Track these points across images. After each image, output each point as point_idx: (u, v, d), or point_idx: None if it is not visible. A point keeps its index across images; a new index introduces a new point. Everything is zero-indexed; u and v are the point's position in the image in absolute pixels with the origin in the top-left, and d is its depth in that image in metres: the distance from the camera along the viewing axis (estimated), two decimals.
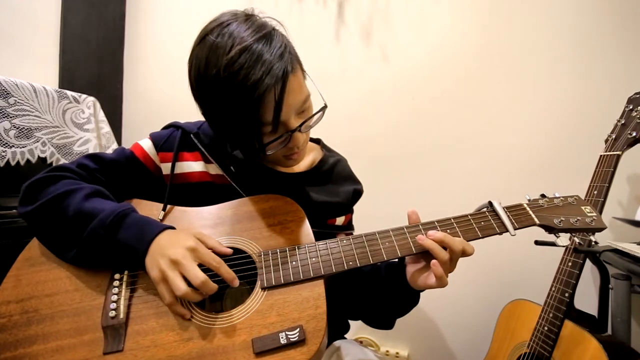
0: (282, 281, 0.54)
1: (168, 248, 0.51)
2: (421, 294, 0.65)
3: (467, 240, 0.57)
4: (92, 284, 0.55)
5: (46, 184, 0.58)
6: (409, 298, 0.64)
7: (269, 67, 0.52)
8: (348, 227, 0.76)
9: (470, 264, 1.25)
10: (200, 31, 0.57)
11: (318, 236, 0.60)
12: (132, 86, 1.63)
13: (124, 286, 0.54)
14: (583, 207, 0.63)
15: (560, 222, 0.60)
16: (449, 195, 1.28)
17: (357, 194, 0.77)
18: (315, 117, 0.61)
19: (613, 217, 1.07)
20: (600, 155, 0.89)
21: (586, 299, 1.07)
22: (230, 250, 0.55)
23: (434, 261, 0.54)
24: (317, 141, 0.81)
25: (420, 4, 1.30)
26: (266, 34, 0.55)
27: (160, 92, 1.58)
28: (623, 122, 0.90)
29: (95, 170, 0.63)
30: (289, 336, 0.49)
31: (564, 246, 0.60)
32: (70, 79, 1.41)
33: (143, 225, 0.54)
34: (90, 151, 1.19)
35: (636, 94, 0.92)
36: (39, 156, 1.04)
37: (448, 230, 0.58)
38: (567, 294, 0.83)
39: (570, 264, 0.85)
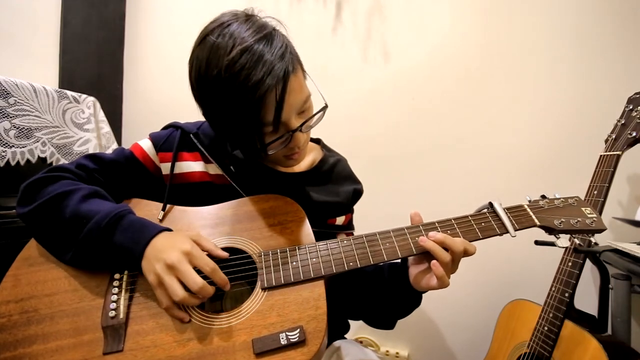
0: (283, 281, 0.54)
1: (163, 252, 0.51)
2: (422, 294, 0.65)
3: (468, 241, 0.57)
4: (92, 283, 0.55)
5: (44, 184, 0.58)
6: (411, 299, 0.64)
7: (270, 68, 0.52)
8: (348, 226, 0.76)
9: (470, 264, 1.25)
10: (201, 32, 0.57)
11: (318, 236, 0.60)
12: (132, 86, 1.62)
13: (124, 286, 0.54)
14: (583, 209, 0.63)
15: (560, 223, 0.60)
16: (449, 195, 1.28)
17: (357, 193, 0.77)
18: (316, 117, 0.61)
19: (613, 217, 1.07)
20: (600, 155, 0.89)
21: (586, 299, 1.07)
22: (226, 254, 0.55)
23: (434, 262, 0.54)
24: (317, 141, 0.81)
25: (420, 4, 1.30)
26: (267, 34, 0.54)
27: (160, 92, 1.58)
28: (623, 122, 0.90)
29: (94, 171, 0.63)
30: (289, 337, 0.49)
31: (564, 247, 0.60)
32: (70, 79, 1.41)
33: (139, 227, 0.54)
34: (90, 151, 1.19)
35: (636, 94, 0.92)
36: (39, 156, 1.04)
37: (449, 231, 0.58)
38: (567, 294, 0.83)
39: (570, 264, 0.85)
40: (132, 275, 0.55)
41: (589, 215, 0.62)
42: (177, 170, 0.66)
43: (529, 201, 0.64)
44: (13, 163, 0.98)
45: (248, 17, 0.57)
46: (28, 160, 1.01)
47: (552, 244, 0.61)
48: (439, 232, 0.57)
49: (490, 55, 1.24)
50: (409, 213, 0.61)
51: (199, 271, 0.50)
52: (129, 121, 1.63)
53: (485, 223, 0.59)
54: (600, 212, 0.80)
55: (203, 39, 0.55)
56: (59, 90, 1.12)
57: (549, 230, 0.60)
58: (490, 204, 0.61)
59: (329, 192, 0.72)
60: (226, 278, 0.52)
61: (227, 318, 0.52)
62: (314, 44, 1.39)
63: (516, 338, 0.96)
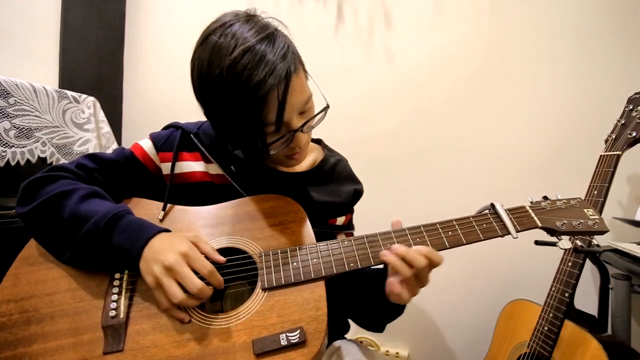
0: (283, 282, 0.54)
1: (161, 253, 0.51)
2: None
3: (469, 243, 0.57)
4: (92, 283, 0.55)
5: (43, 184, 0.58)
6: (390, 307, 0.62)
7: (272, 68, 0.52)
8: (348, 227, 0.76)
9: (471, 264, 1.26)
10: (203, 31, 0.57)
11: (319, 236, 0.60)
12: (132, 86, 1.62)
13: (124, 286, 0.54)
14: (585, 210, 0.63)
15: (562, 224, 0.60)
16: (449, 196, 1.28)
17: (358, 194, 0.77)
18: (318, 117, 0.61)
19: (613, 217, 1.07)
20: (600, 155, 0.89)
21: (586, 299, 1.07)
22: (223, 259, 0.54)
23: (391, 280, 0.54)
24: (318, 141, 0.81)
25: (420, 4, 1.30)
26: (269, 34, 0.54)
27: (160, 92, 1.58)
28: (623, 122, 0.90)
29: (94, 170, 0.63)
30: (290, 337, 0.49)
31: (565, 249, 0.60)
32: (70, 79, 1.41)
33: (137, 228, 0.54)
34: (90, 151, 1.19)
35: (636, 94, 0.92)
36: (39, 156, 1.04)
37: (450, 232, 0.58)
38: (567, 294, 0.83)
39: (570, 264, 0.85)
40: (133, 275, 0.55)
41: (591, 217, 0.62)
42: (177, 170, 0.66)
43: (531, 202, 0.63)
44: (13, 163, 0.98)
45: (250, 17, 0.57)
46: (28, 160, 1.01)
47: (553, 244, 0.61)
48: (402, 245, 0.55)
49: (490, 55, 1.24)
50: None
51: (196, 272, 0.50)
52: (129, 121, 1.63)
53: (487, 224, 0.59)
54: (601, 212, 0.80)
55: (205, 39, 0.55)
56: (59, 90, 1.12)
57: (551, 231, 0.60)
58: (492, 205, 0.61)
59: (329, 192, 0.72)
60: (222, 279, 0.52)
61: (227, 318, 0.52)
62: (314, 44, 1.39)
63: (516, 338, 0.96)
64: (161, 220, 0.61)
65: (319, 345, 0.48)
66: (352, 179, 0.78)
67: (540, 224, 0.59)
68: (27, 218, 0.56)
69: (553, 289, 0.87)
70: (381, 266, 0.60)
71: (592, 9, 1.16)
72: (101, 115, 1.27)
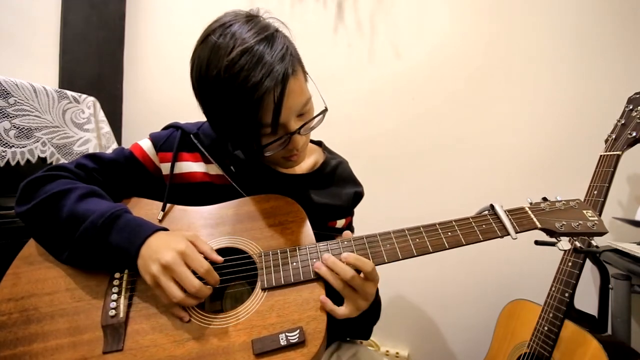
0: (283, 282, 0.54)
1: (158, 252, 0.51)
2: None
3: (469, 243, 0.57)
4: (92, 282, 0.55)
5: (42, 183, 0.58)
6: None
7: (269, 69, 0.52)
8: (348, 229, 0.76)
9: (471, 264, 1.26)
10: (203, 31, 0.57)
11: (318, 238, 0.60)
12: (132, 86, 1.63)
13: (124, 285, 0.54)
14: (585, 211, 0.63)
15: (561, 226, 0.60)
16: (449, 196, 1.28)
17: (358, 196, 0.76)
18: (316, 119, 0.61)
19: (613, 217, 1.07)
20: (600, 155, 0.89)
21: (586, 299, 1.07)
22: (220, 259, 0.54)
23: (322, 297, 0.53)
24: (319, 143, 0.81)
25: (420, 4, 1.30)
26: (268, 35, 0.54)
27: (160, 92, 1.58)
28: (623, 122, 0.90)
29: (94, 170, 0.63)
30: (289, 337, 0.49)
31: (564, 250, 0.60)
32: (70, 79, 1.41)
33: (135, 227, 0.54)
34: (90, 151, 1.19)
35: (636, 94, 0.92)
36: (39, 156, 1.04)
37: (449, 233, 0.58)
38: (567, 294, 0.83)
39: (570, 264, 0.85)
40: (132, 274, 0.55)
41: (591, 218, 0.62)
42: (177, 171, 0.66)
43: (530, 203, 0.63)
44: (13, 163, 0.98)
45: (251, 18, 0.57)
46: (28, 160, 1.01)
47: (552, 244, 0.61)
48: (331, 255, 0.54)
49: (490, 55, 1.24)
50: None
51: (194, 272, 0.50)
52: (129, 121, 1.63)
53: (486, 225, 0.59)
54: (600, 212, 0.80)
55: (205, 39, 0.55)
56: (59, 90, 1.12)
57: (550, 232, 0.60)
58: (492, 206, 0.61)
59: (330, 195, 0.71)
60: (218, 278, 0.52)
61: (227, 318, 0.52)
62: (314, 44, 1.39)
63: (516, 338, 0.96)
64: (160, 221, 0.61)
65: (318, 345, 0.48)
66: (353, 181, 0.78)
67: (539, 225, 0.59)
68: (25, 217, 0.56)
69: (553, 289, 0.87)
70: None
71: (592, 9, 1.15)
72: (101, 115, 1.27)
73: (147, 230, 0.54)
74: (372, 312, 0.63)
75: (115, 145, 1.32)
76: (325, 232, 0.69)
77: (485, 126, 1.25)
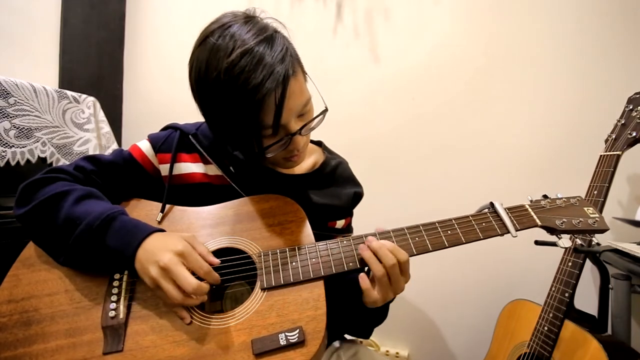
0: (282, 282, 0.54)
1: (156, 253, 0.50)
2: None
3: (469, 242, 0.57)
4: (92, 284, 0.55)
5: (41, 185, 0.58)
6: (369, 312, 0.61)
7: (270, 71, 0.51)
8: (347, 230, 0.76)
9: (471, 263, 1.26)
10: (201, 32, 0.57)
11: (317, 238, 0.60)
12: (132, 86, 1.62)
13: (124, 286, 0.54)
14: (586, 209, 0.63)
15: (562, 223, 0.59)
16: (449, 196, 1.28)
17: (358, 196, 0.76)
18: (316, 120, 0.61)
19: (613, 217, 1.07)
20: (600, 155, 0.89)
21: (586, 299, 1.07)
22: (217, 261, 0.54)
23: (361, 275, 0.55)
24: (319, 143, 0.81)
25: (420, 4, 1.30)
26: (268, 36, 0.54)
27: (160, 92, 1.58)
28: (623, 122, 0.90)
29: (92, 172, 0.63)
30: (289, 337, 0.49)
31: (565, 247, 0.60)
32: (70, 79, 1.41)
33: (131, 228, 0.54)
34: (90, 151, 1.19)
35: (636, 94, 0.92)
36: (39, 156, 1.04)
37: (449, 231, 0.58)
38: (567, 294, 0.83)
39: (570, 264, 0.85)
40: (132, 275, 0.55)
41: (592, 215, 0.61)
42: (176, 172, 0.66)
43: (531, 201, 0.63)
44: (13, 163, 0.98)
45: (249, 19, 0.56)
46: (28, 160, 1.01)
47: (553, 244, 0.61)
48: (378, 240, 0.56)
49: (490, 56, 1.24)
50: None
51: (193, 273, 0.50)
52: (129, 121, 1.63)
53: (486, 223, 0.59)
54: (601, 212, 0.80)
55: (203, 40, 0.55)
56: (59, 90, 1.12)
57: (551, 230, 0.60)
58: (492, 204, 0.61)
59: (330, 195, 0.71)
60: (219, 277, 0.53)
61: (227, 318, 0.52)
62: (314, 44, 1.39)
63: (516, 338, 0.96)
64: (160, 222, 0.61)
65: (318, 344, 0.49)
66: (353, 181, 0.78)
67: (539, 223, 0.59)
68: (24, 219, 0.56)
69: (553, 289, 0.87)
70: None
71: (592, 8, 1.15)
72: (101, 115, 1.27)
73: (144, 232, 0.54)
74: (382, 312, 0.64)
75: (115, 146, 1.32)
76: (325, 233, 0.69)
77: (486, 126, 1.25)
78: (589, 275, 1.15)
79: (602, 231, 0.60)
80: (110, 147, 1.29)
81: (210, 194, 0.65)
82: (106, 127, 1.29)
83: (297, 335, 0.49)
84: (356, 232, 0.78)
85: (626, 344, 0.86)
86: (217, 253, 0.57)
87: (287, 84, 0.53)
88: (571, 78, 1.17)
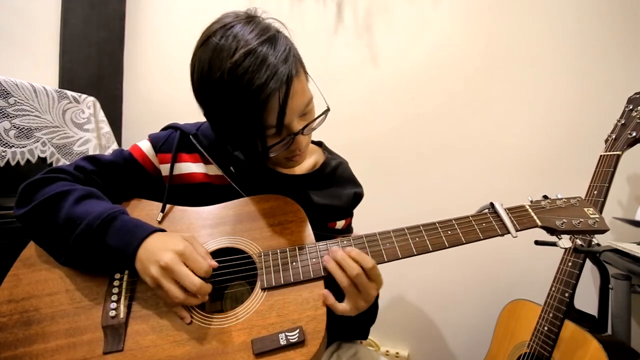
0: (282, 282, 0.54)
1: (157, 253, 0.50)
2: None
3: (469, 242, 0.57)
4: (93, 283, 0.55)
5: (41, 185, 0.58)
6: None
7: (274, 71, 0.51)
8: (347, 230, 0.76)
9: (471, 263, 1.26)
10: (203, 32, 0.57)
11: (318, 239, 0.60)
12: (132, 86, 1.63)
13: (124, 286, 0.54)
14: (586, 209, 0.63)
15: (562, 223, 0.59)
16: (449, 196, 1.28)
17: (358, 197, 0.76)
18: (318, 119, 0.61)
19: (613, 217, 1.07)
20: (600, 155, 0.89)
21: (586, 299, 1.07)
22: (215, 264, 0.54)
23: (326, 291, 0.53)
24: (319, 144, 0.81)
25: (420, 4, 1.30)
26: (270, 36, 0.54)
27: (160, 92, 1.58)
28: (623, 122, 0.90)
29: (92, 172, 0.63)
30: (289, 337, 0.49)
31: (565, 248, 0.60)
32: (70, 79, 1.41)
33: (131, 228, 0.54)
34: (90, 151, 1.19)
35: (636, 94, 0.92)
36: (39, 156, 1.04)
37: (449, 232, 0.58)
38: (567, 294, 0.83)
39: (570, 264, 0.85)
40: (133, 275, 0.55)
41: (592, 216, 0.61)
42: (176, 172, 0.66)
43: (531, 201, 0.63)
44: (13, 163, 0.98)
45: (251, 19, 0.56)
46: (28, 160, 1.01)
47: (553, 244, 0.61)
48: (340, 248, 0.55)
49: (490, 56, 1.24)
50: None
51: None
52: (129, 121, 1.63)
53: (486, 223, 0.59)
54: (601, 212, 0.80)
55: (206, 40, 0.55)
56: (59, 90, 1.12)
57: (551, 230, 0.60)
58: (492, 204, 0.61)
59: (330, 196, 0.71)
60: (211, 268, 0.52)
61: (227, 318, 0.52)
62: (315, 44, 1.39)
63: (516, 338, 0.96)
64: (160, 222, 0.61)
65: (318, 344, 0.49)
66: (353, 182, 0.78)
67: (539, 223, 0.59)
68: (24, 220, 0.56)
69: (553, 289, 0.87)
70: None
71: (592, 8, 1.15)
72: (101, 115, 1.27)
73: (144, 231, 0.54)
74: (369, 314, 0.63)
75: (115, 146, 1.32)
76: (325, 233, 0.69)
77: (486, 126, 1.25)
78: (589, 275, 1.15)
79: (602, 232, 0.60)
80: (110, 147, 1.29)
81: (210, 194, 0.65)
82: (106, 127, 1.29)
83: (297, 335, 0.49)
84: (356, 232, 0.78)
85: (626, 344, 0.86)
86: (217, 253, 0.57)
87: (290, 84, 0.53)
88: (571, 78, 1.17)
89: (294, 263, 0.56)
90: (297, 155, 0.63)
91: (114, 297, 0.53)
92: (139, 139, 0.69)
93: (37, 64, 1.34)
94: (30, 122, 1.02)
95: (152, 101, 1.59)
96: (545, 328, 0.86)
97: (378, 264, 0.56)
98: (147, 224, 0.56)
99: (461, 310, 1.29)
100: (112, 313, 0.51)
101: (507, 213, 0.60)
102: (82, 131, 1.18)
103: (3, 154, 0.96)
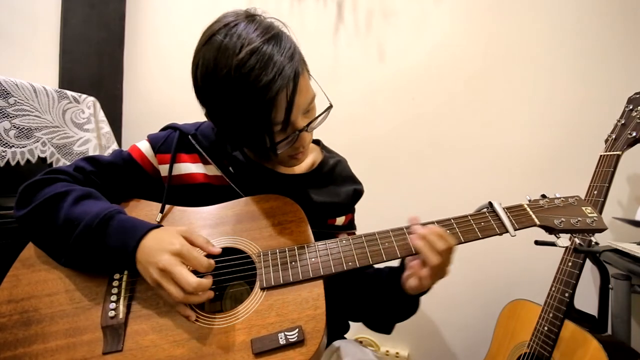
0: (282, 281, 0.54)
1: (154, 254, 0.50)
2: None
3: (467, 241, 0.57)
4: (92, 283, 0.55)
5: (40, 186, 0.58)
6: (405, 303, 0.63)
7: (281, 68, 0.52)
8: (349, 227, 0.76)
9: (471, 263, 1.26)
10: (204, 32, 0.57)
11: (318, 236, 0.60)
12: (132, 86, 1.63)
13: (123, 286, 0.54)
14: (584, 208, 0.63)
15: (560, 222, 0.60)
16: (449, 195, 1.28)
17: (358, 193, 0.76)
18: (321, 117, 0.61)
19: (613, 217, 1.07)
20: (600, 155, 0.89)
21: (586, 299, 1.07)
22: (219, 250, 0.54)
23: (415, 262, 0.56)
24: (317, 142, 0.81)
25: (420, 4, 1.30)
26: (274, 35, 0.54)
27: (160, 92, 1.58)
28: (623, 122, 0.90)
29: (92, 173, 0.63)
30: (288, 337, 0.49)
31: (564, 247, 0.60)
32: (70, 79, 1.41)
33: (129, 227, 0.54)
34: (90, 151, 1.19)
35: (636, 94, 0.92)
36: (39, 156, 1.04)
37: (448, 231, 0.58)
38: (567, 294, 0.83)
39: (570, 264, 0.85)
40: (132, 275, 0.55)
41: (590, 215, 0.62)
42: (175, 172, 0.66)
43: (529, 200, 0.64)
44: (13, 163, 0.98)
45: (253, 18, 0.56)
46: (28, 160, 1.01)
47: (553, 244, 0.61)
48: (424, 226, 0.57)
49: (490, 56, 1.24)
50: (410, 213, 0.61)
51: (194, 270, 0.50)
52: (129, 121, 1.63)
53: (484, 223, 0.59)
54: (600, 212, 0.80)
55: (209, 39, 0.55)
56: (59, 90, 1.12)
57: (549, 229, 0.60)
58: (490, 204, 0.61)
59: (329, 193, 0.71)
60: (214, 262, 0.53)
61: (226, 318, 0.52)
62: (314, 44, 1.39)
63: (516, 338, 0.96)
64: (159, 222, 0.61)
65: (317, 344, 0.49)
66: (352, 179, 0.78)
67: (538, 222, 0.60)
68: (24, 221, 0.56)
69: (553, 289, 0.87)
70: (396, 263, 0.62)
71: (592, 8, 1.15)
72: (101, 115, 1.27)
73: (141, 230, 0.53)
74: (413, 307, 0.65)
75: (115, 146, 1.32)
76: (325, 230, 0.69)
77: (485, 126, 1.25)
78: (589, 275, 1.15)
79: (601, 230, 0.61)
80: (110, 147, 1.29)
81: (209, 194, 0.65)
82: (106, 127, 1.29)
83: (296, 334, 0.49)
84: (357, 231, 0.78)
85: (626, 344, 0.86)
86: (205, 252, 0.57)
87: (297, 81, 0.54)
88: (571, 78, 1.17)
89: (293, 263, 0.56)
90: (301, 153, 0.63)
91: (114, 297, 0.53)
92: (139, 139, 0.69)
93: (37, 64, 1.34)
94: (30, 122, 1.02)
95: (152, 101, 1.60)
96: (545, 328, 0.86)
97: (378, 263, 0.56)
98: (143, 221, 0.56)
99: (461, 310, 1.29)
100: (112, 313, 0.51)
101: (506, 212, 0.60)
102: (82, 131, 1.18)
103: (3, 154, 0.96)
